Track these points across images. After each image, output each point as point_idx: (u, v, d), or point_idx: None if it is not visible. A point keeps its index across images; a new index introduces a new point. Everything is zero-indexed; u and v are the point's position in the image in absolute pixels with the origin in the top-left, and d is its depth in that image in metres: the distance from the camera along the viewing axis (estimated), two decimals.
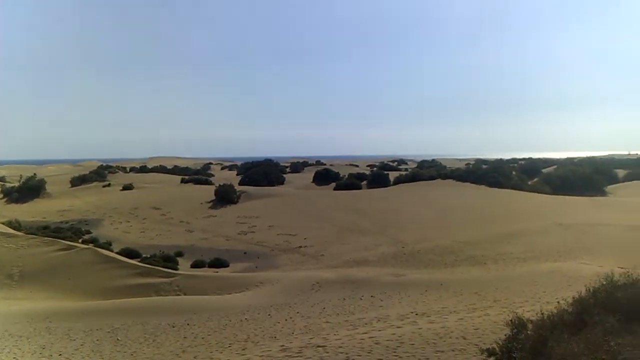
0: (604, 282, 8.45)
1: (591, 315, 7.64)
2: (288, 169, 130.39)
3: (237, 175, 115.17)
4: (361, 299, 22.17)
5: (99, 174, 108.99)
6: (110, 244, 44.65)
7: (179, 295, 27.91)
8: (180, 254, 42.87)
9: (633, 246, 31.60)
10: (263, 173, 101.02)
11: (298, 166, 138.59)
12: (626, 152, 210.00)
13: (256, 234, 50.31)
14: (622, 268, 14.59)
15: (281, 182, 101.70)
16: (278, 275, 31.19)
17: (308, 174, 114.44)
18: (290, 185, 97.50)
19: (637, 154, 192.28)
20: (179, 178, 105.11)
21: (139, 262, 35.30)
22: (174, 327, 19.46)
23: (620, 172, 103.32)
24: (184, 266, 38.35)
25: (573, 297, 8.79)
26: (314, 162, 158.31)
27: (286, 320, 19.10)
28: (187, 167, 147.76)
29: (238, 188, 73.85)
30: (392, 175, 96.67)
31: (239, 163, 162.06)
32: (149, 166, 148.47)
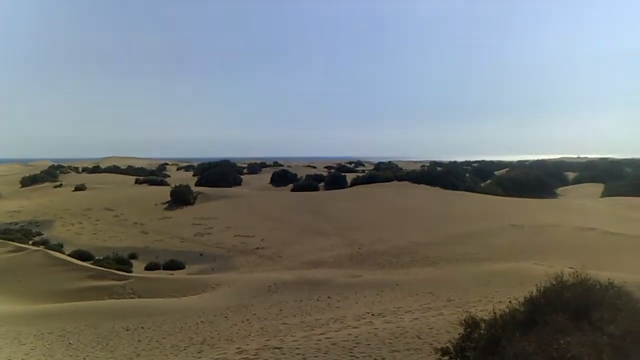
0: (554, 282, 8.71)
1: (542, 314, 7.87)
2: (245, 170, 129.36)
3: (193, 176, 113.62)
4: (318, 300, 22.24)
5: (50, 174, 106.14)
6: (62, 246, 43.55)
7: (133, 298, 27.40)
8: (134, 256, 42.11)
9: (582, 246, 32.68)
10: (220, 174, 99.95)
11: (255, 167, 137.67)
12: (576, 156, 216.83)
13: (213, 236, 49.84)
14: (571, 268, 15.04)
15: (238, 183, 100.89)
16: (235, 277, 31.00)
17: (266, 175, 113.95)
18: (248, 187, 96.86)
19: (586, 157, 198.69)
20: (133, 179, 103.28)
21: (92, 264, 34.55)
22: (127, 330, 19.12)
23: (571, 175, 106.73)
24: (138, 268, 37.68)
25: (524, 297, 9.03)
26: (272, 163, 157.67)
27: (243, 322, 19.00)
28: (141, 168, 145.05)
29: (194, 189, 72.97)
30: (350, 177, 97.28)
31: (195, 164, 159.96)
32: (102, 166, 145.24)
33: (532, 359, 6.43)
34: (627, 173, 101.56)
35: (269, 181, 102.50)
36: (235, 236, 48.78)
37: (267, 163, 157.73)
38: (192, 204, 66.17)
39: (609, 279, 9.02)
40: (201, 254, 43.54)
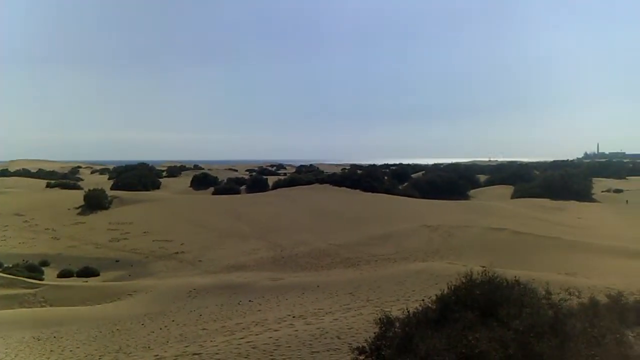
0: (464, 281, 9.14)
1: (453, 311, 8.24)
2: (164, 173, 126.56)
3: (109, 179, 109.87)
4: (239, 304, 22.13)
5: None
6: None
7: (44, 306, 26.21)
8: (45, 263, 40.24)
9: (492, 246, 34.26)
10: (137, 177, 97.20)
11: (175, 170, 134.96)
12: (487, 159, 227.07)
13: (129, 241, 48.38)
14: (483, 267, 15.77)
15: (157, 186, 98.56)
16: (153, 283, 30.28)
17: (185, 179, 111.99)
18: (167, 190, 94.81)
19: (496, 161, 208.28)
20: (44, 182, 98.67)
21: (0, 272, 32.72)
22: (39, 340, 18.30)
23: (482, 177, 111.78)
24: (50, 276, 36.02)
25: (436, 295, 9.41)
26: (192, 167, 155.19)
27: (161, 329, 18.62)
28: (53, 171, 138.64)
29: (110, 193, 70.63)
30: (271, 180, 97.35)
31: (111, 167, 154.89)
32: (11, 169, 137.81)
33: (442, 356, 6.73)
34: (535, 175, 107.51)
35: (189, 184, 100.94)
36: (153, 241, 47.59)
37: (187, 166, 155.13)
38: (107, 208, 64.05)
39: (515, 277, 9.56)
40: (117, 260, 42.19)
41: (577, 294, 8.99)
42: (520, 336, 6.91)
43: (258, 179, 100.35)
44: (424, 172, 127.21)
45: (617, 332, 8.33)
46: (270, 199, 71.30)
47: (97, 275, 37.50)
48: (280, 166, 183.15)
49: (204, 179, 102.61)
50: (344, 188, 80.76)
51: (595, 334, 7.68)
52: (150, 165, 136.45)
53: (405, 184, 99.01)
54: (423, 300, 10.43)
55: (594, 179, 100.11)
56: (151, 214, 59.41)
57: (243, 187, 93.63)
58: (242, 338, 14.33)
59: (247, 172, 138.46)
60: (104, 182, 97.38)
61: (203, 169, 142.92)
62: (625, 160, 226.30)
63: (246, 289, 25.12)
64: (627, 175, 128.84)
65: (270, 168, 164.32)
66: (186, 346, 14.39)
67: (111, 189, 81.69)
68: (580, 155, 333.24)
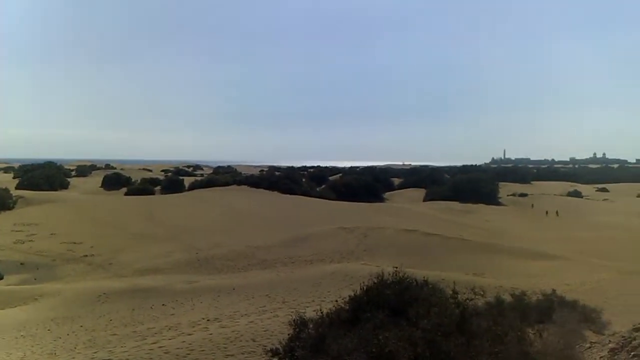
0: (376, 281, 9.38)
1: (364, 311, 8.43)
2: (73, 173, 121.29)
3: (13, 178, 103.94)
4: (152, 308, 21.58)
5: None
6: None
7: None
8: None
9: (405, 247, 35.33)
10: (44, 176, 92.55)
11: (85, 170, 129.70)
12: (401, 163, 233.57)
13: (35, 243, 45.90)
14: (395, 267, 16.21)
15: (65, 186, 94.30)
16: (60, 287, 28.94)
17: (96, 178, 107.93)
18: (76, 190, 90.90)
19: (410, 164, 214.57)
20: None
21: None
22: None
23: (396, 181, 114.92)
24: None
25: (349, 296, 9.60)
26: (104, 166, 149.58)
27: (68, 334, 17.85)
28: None
29: (14, 192, 66.93)
30: (188, 181, 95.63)
31: (16, 165, 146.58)
32: None
33: (353, 355, 6.87)
34: (445, 179, 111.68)
35: (100, 185, 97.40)
36: (61, 243, 45.43)
37: (98, 165, 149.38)
38: (11, 208, 60.71)
39: (424, 277, 9.91)
40: (22, 263, 39.91)
41: (481, 293, 9.42)
42: (428, 335, 7.16)
43: (174, 180, 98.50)
44: (341, 174, 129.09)
45: (519, 329, 8.79)
46: (186, 200, 70.01)
47: (1, 278, 35.41)
48: (197, 167, 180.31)
49: (116, 179, 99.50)
50: (261, 190, 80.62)
51: (498, 331, 8.06)
52: (58, 164, 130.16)
53: (323, 186, 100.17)
54: (336, 301, 10.59)
55: (501, 184, 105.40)
56: (59, 215, 56.74)
57: (158, 187, 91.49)
58: (154, 343, 14.01)
59: (163, 173, 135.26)
60: (7, 181, 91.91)
61: (115, 168, 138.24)
62: (529, 166, 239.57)
63: (159, 293, 24.54)
64: (532, 180, 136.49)
65: (186, 169, 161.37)
66: (95, 352, 13.89)
67: (16, 188, 77.40)
68: (488, 161, 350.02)
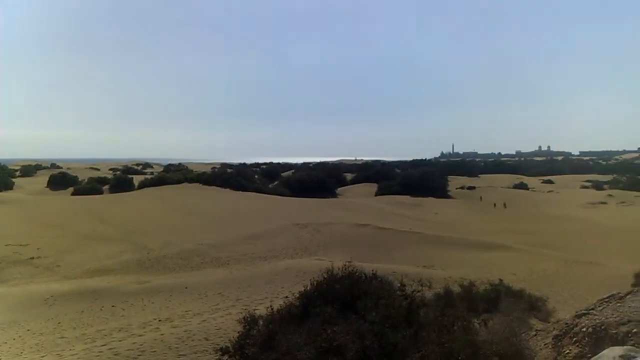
0: (326, 276, 9.48)
1: (314, 306, 8.52)
2: (18, 173, 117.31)
3: None
4: (101, 309, 21.14)
5: None
6: None
7: None
8: None
9: (357, 241, 35.71)
10: None
11: (30, 170, 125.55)
12: (353, 158, 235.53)
13: None
14: (348, 261, 16.40)
15: (10, 187, 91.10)
16: (5, 290, 28.01)
17: (42, 178, 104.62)
18: (21, 191, 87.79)
19: (362, 160, 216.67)
20: None
21: None
22: None
23: (348, 176, 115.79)
24: None
25: (299, 292, 9.68)
26: (49, 165, 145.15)
27: (14, 339, 17.32)
28: None
29: None
30: (137, 180, 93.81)
31: None
32: None
33: (303, 350, 6.95)
34: (396, 174, 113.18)
35: (45, 185, 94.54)
36: (5, 245, 43.82)
37: (44, 165, 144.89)
38: None
39: (372, 271, 10.07)
40: None
41: (428, 285, 9.64)
42: (377, 327, 7.31)
43: (123, 178, 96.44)
44: (293, 170, 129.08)
45: (465, 319, 9.05)
46: (136, 199, 68.66)
47: None
48: (147, 165, 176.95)
49: (62, 179, 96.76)
50: (214, 187, 79.78)
51: (445, 322, 8.28)
52: (1, 164, 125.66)
53: (276, 182, 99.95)
54: (287, 297, 10.67)
55: (450, 177, 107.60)
56: (3, 217, 54.78)
57: (106, 186, 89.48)
58: (103, 345, 13.77)
59: (111, 171, 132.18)
60: None
61: (61, 168, 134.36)
62: (477, 160, 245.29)
63: (109, 294, 24.05)
64: (480, 173, 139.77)
65: (136, 167, 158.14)
66: (42, 356, 13.57)
67: None
68: (438, 155, 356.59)
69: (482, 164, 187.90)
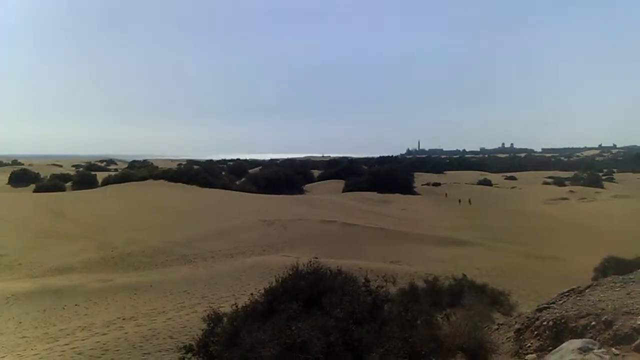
0: (291, 273, 9.52)
1: (279, 303, 8.55)
2: None
3: None
4: (64, 309, 20.79)
5: None
6: None
7: None
8: None
9: (325, 237, 35.84)
10: None
11: None
12: (320, 155, 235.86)
13: None
14: (315, 258, 16.44)
15: None
16: None
17: (2, 175, 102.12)
18: None
19: (329, 156, 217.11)
20: None
21: None
22: None
23: (316, 172, 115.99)
24: None
25: (264, 288, 9.70)
26: (10, 162, 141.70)
27: None
28: None
29: None
30: (101, 177, 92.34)
31: None
32: None
33: (267, 347, 6.97)
34: (363, 170, 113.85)
35: (6, 181, 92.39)
36: None
37: (5, 162, 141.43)
38: None
39: (337, 267, 10.14)
40: None
41: (392, 280, 9.73)
42: (341, 323, 7.37)
43: (86, 175, 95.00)
44: (261, 167, 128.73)
45: (428, 314, 9.19)
46: (99, 196, 67.54)
47: None
48: (111, 161, 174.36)
49: (23, 175, 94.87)
50: (180, 184, 79.03)
51: (409, 317, 8.39)
52: None
53: (243, 179, 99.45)
54: (252, 294, 10.66)
55: (416, 174, 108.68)
56: None
57: (69, 183, 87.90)
58: (66, 344, 13.56)
59: (74, 168, 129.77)
60: None
61: (23, 164, 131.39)
62: (442, 156, 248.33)
63: (72, 293, 23.66)
64: (445, 170, 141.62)
65: (99, 163, 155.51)
66: (2, 357, 13.30)
67: None
68: (404, 152, 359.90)
69: (448, 160, 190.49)
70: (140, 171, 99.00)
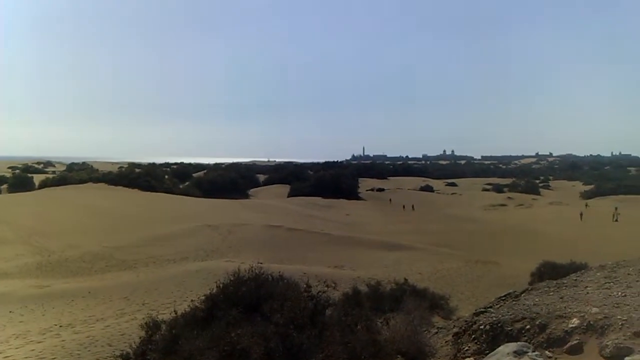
0: (232, 278, 9.51)
1: (220, 309, 8.53)
2: None
3: None
4: None
5: None
6: None
7: None
8: None
9: (270, 242, 35.83)
10: None
11: None
12: (266, 159, 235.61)
13: None
14: (260, 263, 16.45)
15: None
16: None
17: None
18: None
19: (274, 161, 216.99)
20: None
21: None
22: None
23: (261, 177, 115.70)
24: None
25: (205, 295, 9.65)
26: None
27: None
28: None
29: None
30: (38, 179, 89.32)
31: None
32: None
33: (205, 355, 6.96)
34: (309, 175, 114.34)
35: None
36: None
37: None
38: None
39: (279, 272, 10.21)
40: None
41: (333, 285, 9.86)
42: (281, 329, 7.42)
43: (22, 177, 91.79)
44: (205, 171, 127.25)
45: (368, 319, 9.36)
46: (36, 199, 65.27)
47: None
48: (49, 163, 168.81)
49: None
50: (120, 187, 77.31)
51: (349, 322, 8.52)
52: None
53: (187, 183, 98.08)
54: (192, 300, 10.60)
55: (361, 179, 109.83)
56: None
57: (4, 186, 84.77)
58: None
59: (9, 170, 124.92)
60: None
61: None
62: (386, 162, 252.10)
63: (6, 299, 22.81)
64: (389, 176, 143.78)
65: (36, 165, 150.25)
66: None
67: None
68: (349, 157, 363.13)
69: (391, 166, 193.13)
70: (79, 174, 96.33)
